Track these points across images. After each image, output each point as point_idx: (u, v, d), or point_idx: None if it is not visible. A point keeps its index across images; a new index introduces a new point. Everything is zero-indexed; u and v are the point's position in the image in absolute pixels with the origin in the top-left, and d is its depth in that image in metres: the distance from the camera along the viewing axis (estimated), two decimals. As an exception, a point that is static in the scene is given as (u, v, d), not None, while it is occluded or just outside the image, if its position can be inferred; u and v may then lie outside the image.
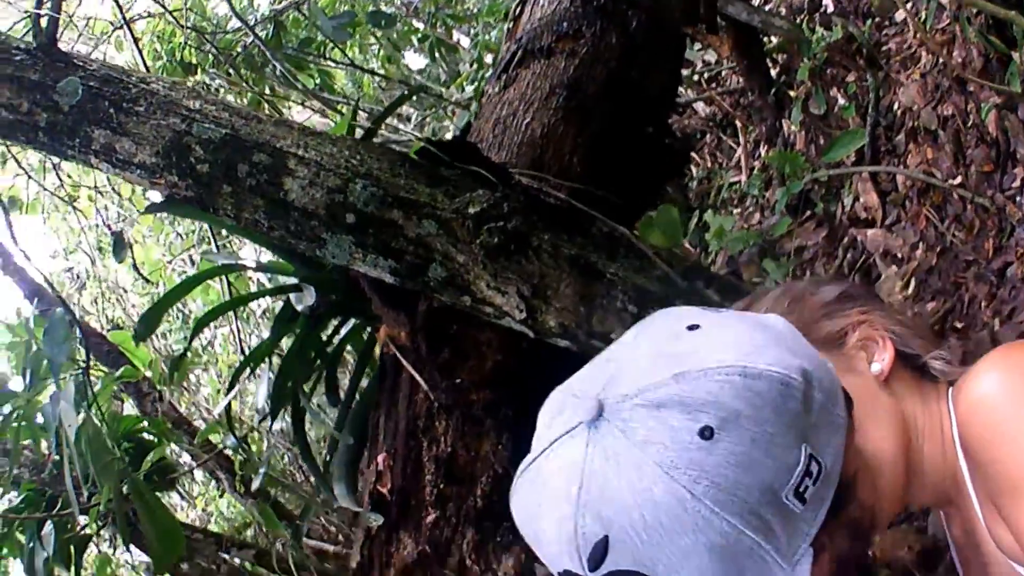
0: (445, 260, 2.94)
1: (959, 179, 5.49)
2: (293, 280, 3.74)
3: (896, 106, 6.29)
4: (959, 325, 5.04)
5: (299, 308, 3.64)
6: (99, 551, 6.14)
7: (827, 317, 1.93)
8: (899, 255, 5.70)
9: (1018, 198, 5.10)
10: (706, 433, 1.36)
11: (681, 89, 8.57)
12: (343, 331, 3.91)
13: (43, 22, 3.22)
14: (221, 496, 8.74)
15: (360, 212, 2.96)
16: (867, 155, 6.00)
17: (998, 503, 1.75)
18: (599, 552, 1.37)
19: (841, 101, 6.67)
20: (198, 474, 9.08)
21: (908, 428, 1.89)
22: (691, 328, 1.53)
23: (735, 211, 7.00)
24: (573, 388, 1.54)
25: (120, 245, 4.71)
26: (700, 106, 8.32)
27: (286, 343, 3.95)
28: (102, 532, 5.21)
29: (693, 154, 7.95)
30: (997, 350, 1.85)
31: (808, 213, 6.40)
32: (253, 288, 6.82)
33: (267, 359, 3.98)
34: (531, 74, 3.66)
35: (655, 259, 2.96)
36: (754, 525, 1.36)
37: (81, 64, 3.22)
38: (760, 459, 1.37)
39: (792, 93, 7.08)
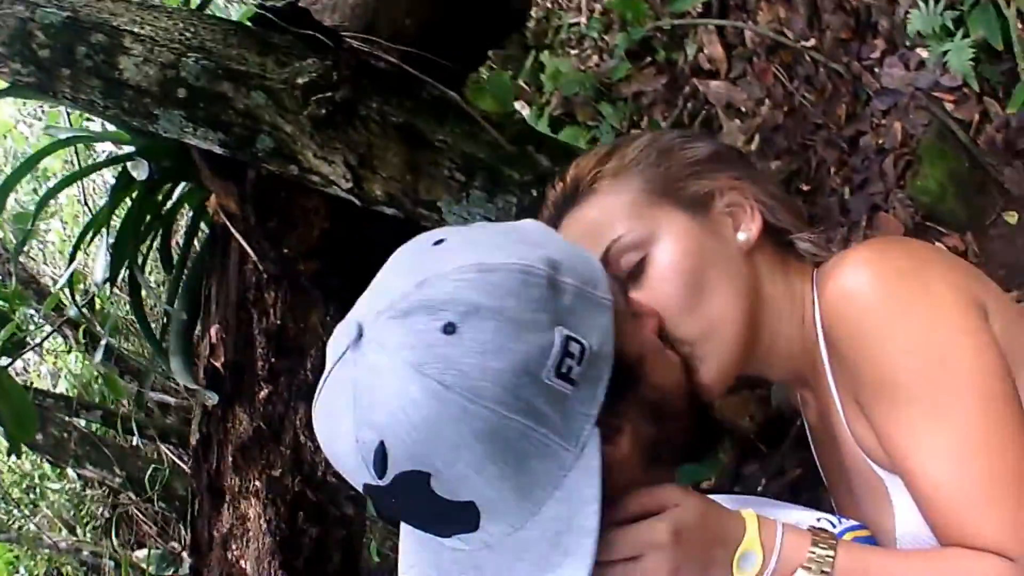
0: (273, 131, 2.89)
1: (812, 41, 5.48)
2: (131, 149, 3.68)
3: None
4: (805, 188, 5.05)
5: (136, 177, 3.59)
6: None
7: (696, 176, 1.89)
8: (743, 109, 5.67)
9: (876, 69, 5.09)
10: (448, 328, 1.41)
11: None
12: (176, 196, 3.86)
13: None
14: (69, 352, 8.65)
15: (191, 87, 2.89)
16: (715, 7, 5.95)
17: (862, 402, 1.78)
18: (379, 458, 1.42)
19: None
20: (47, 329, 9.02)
21: (762, 303, 1.90)
22: (436, 243, 1.58)
23: (573, 53, 6.91)
24: (346, 317, 1.59)
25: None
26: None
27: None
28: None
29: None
30: (870, 244, 1.86)
31: (648, 60, 6.32)
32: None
33: (106, 227, 3.91)
34: (366, -69, 3.59)
35: (484, 124, 2.94)
36: (516, 408, 1.39)
37: None
38: (507, 344, 1.41)
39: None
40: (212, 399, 3.16)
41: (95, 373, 7.39)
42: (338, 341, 1.54)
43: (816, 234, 1.99)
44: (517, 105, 6.60)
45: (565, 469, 1.44)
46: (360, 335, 1.48)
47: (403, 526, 1.60)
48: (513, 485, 1.42)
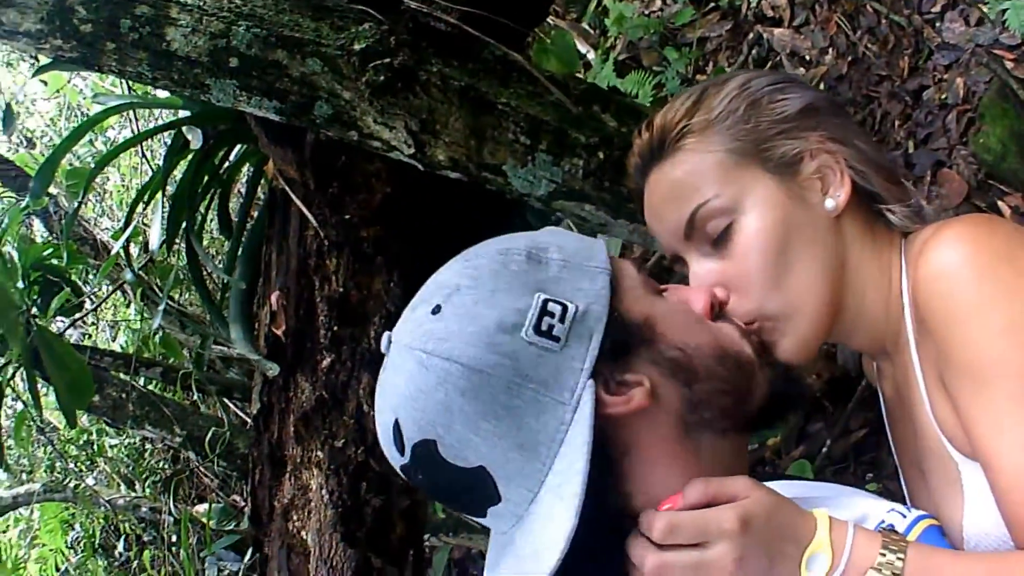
0: (331, 97, 2.85)
1: (876, -8, 5.40)
2: (185, 113, 3.65)
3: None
4: (870, 139, 5.02)
5: (191, 140, 3.57)
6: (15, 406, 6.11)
7: (785, 135, 1.85)
8: (807, 57, 5.63)
9: (937, 23, 5.02)
10: (435, 310, 1.56)
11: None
12: (235, 157, 3.84)
13: None
14: (128, 306, 8.69)
15: (243, 55, 2.86)
16: (778, -47, 5.89)
17: (948, 382, 1.72)
18: (397, 434, 1.58)
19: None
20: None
21: (848, 271, 1.86)
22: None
23: (636, -2, 6.88)
24: None
25: (9, 119, 4.58)
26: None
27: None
28: (7, 380, 5.15)
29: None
30: (966, 221, 1.79)
31: (712, 5, 6.30)
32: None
33: (162, 190, 3.89)
34: None
35: (549, 85, 2.89)
36: (495, 363, 1.49)
37: None
38: (483, 311, 1.52)
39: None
40: (273, 370, 3.13)
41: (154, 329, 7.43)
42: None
43: (907, 205, 1.93)
44: (582, 49, 6.58)
45: (565, 423, 1.49)
46: (390, 342, 1.66)
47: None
48: (514, 443, 1.49)
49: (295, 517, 3.12)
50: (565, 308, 1.52)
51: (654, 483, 1.57)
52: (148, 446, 8.75)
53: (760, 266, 1.79)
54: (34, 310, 4.48)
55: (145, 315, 7.67)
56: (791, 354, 1.83)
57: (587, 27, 7.06)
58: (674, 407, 1.60)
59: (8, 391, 4.98)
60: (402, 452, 1.58)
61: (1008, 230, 1.75)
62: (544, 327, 1.49)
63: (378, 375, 1.70)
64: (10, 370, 4.70)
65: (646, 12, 6.64)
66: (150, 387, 6.68)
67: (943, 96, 4.78)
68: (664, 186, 1.88)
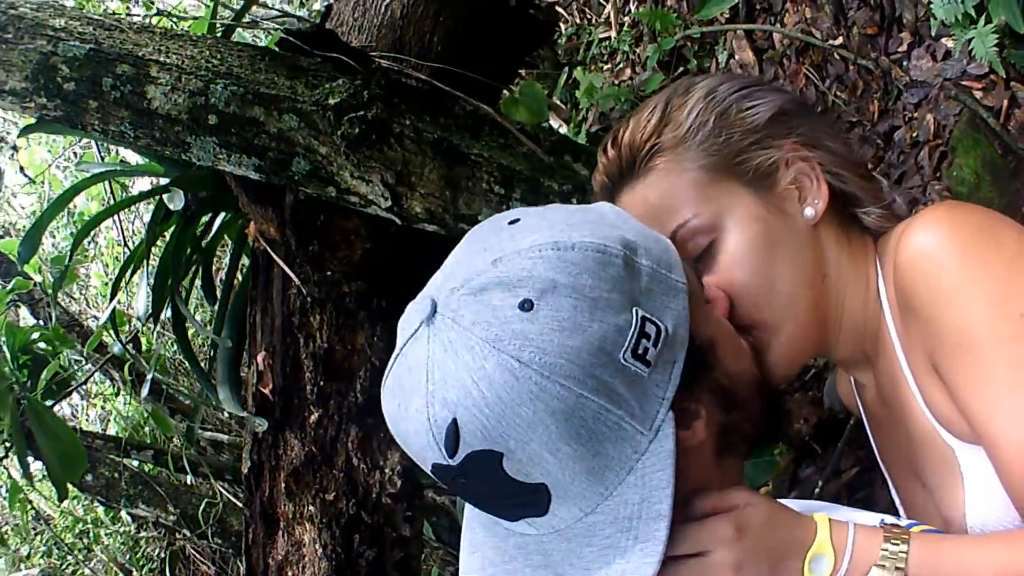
0: (308, 153, 2.90)
1: (840, 40, 5.46)
2: (166, 180, 3.69)
3: (778, -35, 6.24)
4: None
5: (172, 208, 3.60)
6: (9, 478, 6.08)
7: (758, 145, 1.85)
8: (779, 112, 5.66)
9: (904, 62, 5.07)
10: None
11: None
12: (217, 226, 3.87)
13: None
14: (117, 395, 8.69)
15: (222, 113, 2.91)
16: (742, 12, 5.93)
17: (940, 364, 1.73)
18: (451, 436, 1.43)
19: (717, -37, 6.59)
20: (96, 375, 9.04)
21: (829, 278, 1.88)
22: (512, 223, 1.57)
23: (606, 67, 6.91)
24: (419, 294, 1.59)
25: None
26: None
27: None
28: (8, 459, 5.15)
29: (562, 10, 7.87)
30: (939, 206, 1.81)
31: (681, 69, 6.32)
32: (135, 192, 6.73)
33: (145, 260, 3.93)
34: (389, -47, 3.59)
35: (519, 136, 2.94)
36: (592, 387, 1.39)
37: None
38: (584, 323, 1.41)
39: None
40: (262, 425, 3.15)
41: (145, 415, 7.43)
42: (410, 318, 1.54)
43: (884, 206, 1.95)
44: (554, 124, 6.62)
45: (639, 453, 1.44)
46: (434, 312, 1.48)
47: (467, 510, 1.61)
48: (587, 467, 1.42)
49: (290, 573, 3.12)
50: (659, 330, 1.47)
51: (684, 499, 1.55)
52: (143, 534, 8.70)
53: (746, 280, 1.79)
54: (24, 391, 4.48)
55: (134, 401, 7.69)
56: (781, 365, 1.84)
57: (558, 102, 7.11)
58: (713, 431, 1.59)
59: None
60: (451, 455, 1.44)
61: (982, 209, 1.77)
62: (640, 350, 1.43)
63: (382, 381, 1.60)
64: (1, 450, 4.71)
65: (616, 82, 6.68)
66: (142, 469, 6.68)
67: (915, 134, 4.82)
68: (640, 209, 1.84)
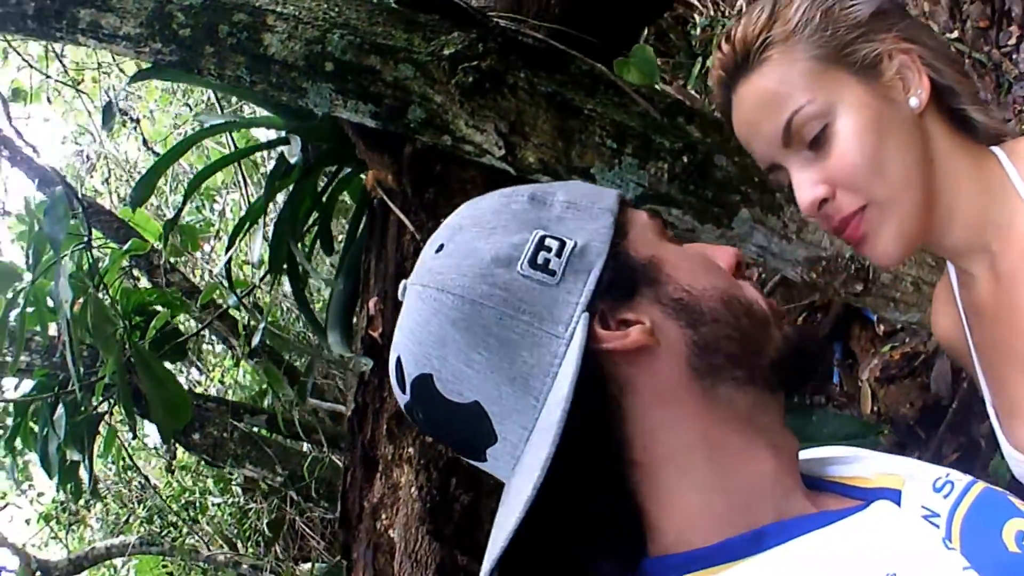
0: (423, 102, 2.97)
1: (956, 33, 5.45)
2: (285, 133, 3.77)
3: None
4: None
5: (291, 160, 3.67)
6: (108, 427, 6.15)
7: (863, 38, 1.90)
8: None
9: (1014, 55, 5.06)
10: (439, 249, 1.51)
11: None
12: (336, 180, 3.94)
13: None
14: (236, 365, 8.80)
15: (338, 60, 3.00)
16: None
17: None
18: (399, 371, 1.52)
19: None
20: (215, 346, 9.15)
21: (938, 165, 1.93)
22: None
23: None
24: None
25: (108, 113, 4.71)
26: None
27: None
28: (112, 407, 5.25)
29: (696, 1, 7.90)
30: None
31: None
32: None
33: (264, 214, 4.01)
34: (512, -84, 3.66)
35: (634, 96, 2.98)
36: (486, 293, 1.44)
37: None
38: (479, 245, 1.47)
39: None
40: (367, 364, 3.22)
41: (263, 387, 7.49)
42: None
43: (980, 104, 1.98)
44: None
45: (559, 356, 1.44)
46: (405, 289, 1.58)
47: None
48: (507, 376, 1.44)
49: (383, 516, 3.17)
50: (563, 243, 1.49)
51: (656, 427, 1.48)
52: (252, 505, 8.76)
53: (860, 159, 1.84)
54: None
55: (250, 369, 7.77)
56: (892, 246, 1.89)
57: (692, 92, 7.14)
58: (680, 349, 1.52)
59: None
60: (403, 389, 1.53)
61: None
62: (540, 260, 1.46)
63: None
64: (105, 406, 4.80)
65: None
66: (252, 431, 6.76)
67: (1022, 127, 4.80)
68: (755, 98, 1.91)
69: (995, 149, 1.96)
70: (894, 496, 1.49)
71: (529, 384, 1.43)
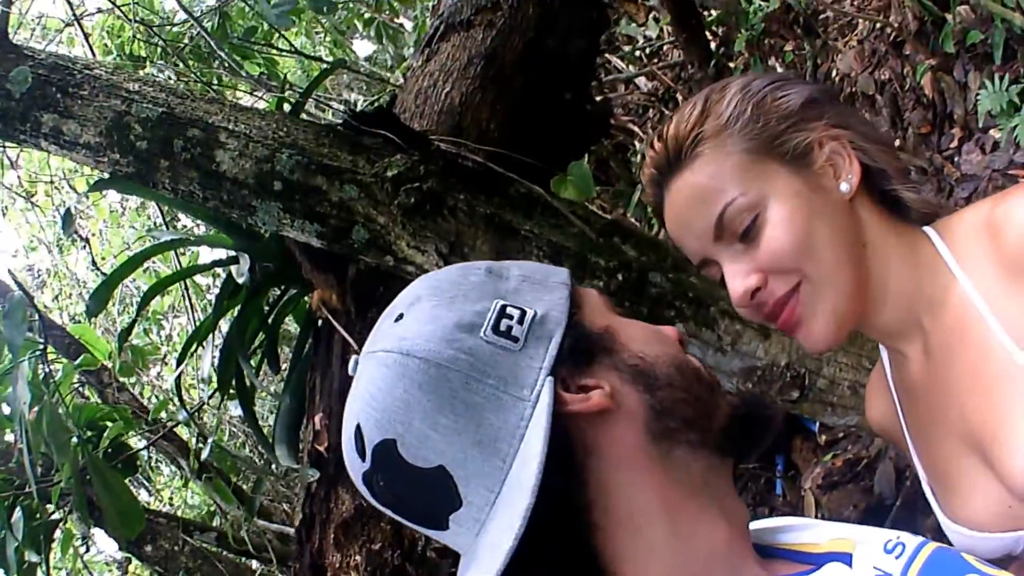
0: (367, 222, 3.08)
1: (898, 142, 5.57)
2: (233, 253, 3.85)
3: (834, 73, 6.39)
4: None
5: (239, 280, 3.75)
6: (64, 532, 6.15)
7: (793, 129, 1.92)
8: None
9: (956, 158, 5.18)
10: (398, 318, 1.54)
11: (622, 65, 8.67)
12: (283, 300, 4.02)
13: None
14: (185, 485, 8.79)
15: (286, 180, 3.12)
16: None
17: None
18: (358, 438, 1.52)
19: (779, 70, 6.74)
20: (163, 467, 9.14)
21: (869, 249, 1.95)
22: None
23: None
24: None
25: (68, 221, 4.78)
26: (642, 81, 8.43)
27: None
28: (67, 514, 5.27)
29: (636, 128, 8.04)
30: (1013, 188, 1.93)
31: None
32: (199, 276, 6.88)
33: (211, 333, 4.09)
34: (451, 46, 3.81)
35: (571, 217, 3.08)
36: (454, 358, 1.47)
37: (31, 55, 3.46)
38: (441, 313, 1.51)
39: (732, 64, 7.17)
40: (313, 475, 3.29)
41: (211, 508, 7.49)
42: None
43: (911, 183, 2.02)
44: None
45: (525, 419, 1.46)
46: (355, 365, 1.62)
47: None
48: (473, 440, 1.46)
49: (334, 623, 3.23)
50: (524, 312, 1.53)
51: (617, 490, 1.50)
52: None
53: (790, 243, 1.87)
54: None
55: (197, 487, 7.76)
56: (827, 326, 1.91)
57: (632, 219, 7.23)
58: (638, 413, 1.55)
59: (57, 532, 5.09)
60: (363, 457, 1.52)
61: None
62: (503, 327, 1.50)
63: None
64: (61, 512, 4.83)
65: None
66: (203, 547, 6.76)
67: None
68: (687, 193, 1.95)
69: (927, 228, 1.98)
70: (845, 559, 1.51)
71: (496, 447, 1.45)
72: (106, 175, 3.48)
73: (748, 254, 1.89)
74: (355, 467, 1.55)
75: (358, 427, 1.52)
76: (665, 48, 8.40)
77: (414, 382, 1.46)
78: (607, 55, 8.54)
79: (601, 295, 1.70)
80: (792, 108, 1.94)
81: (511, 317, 1.51)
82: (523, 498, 1.38)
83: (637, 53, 8.59)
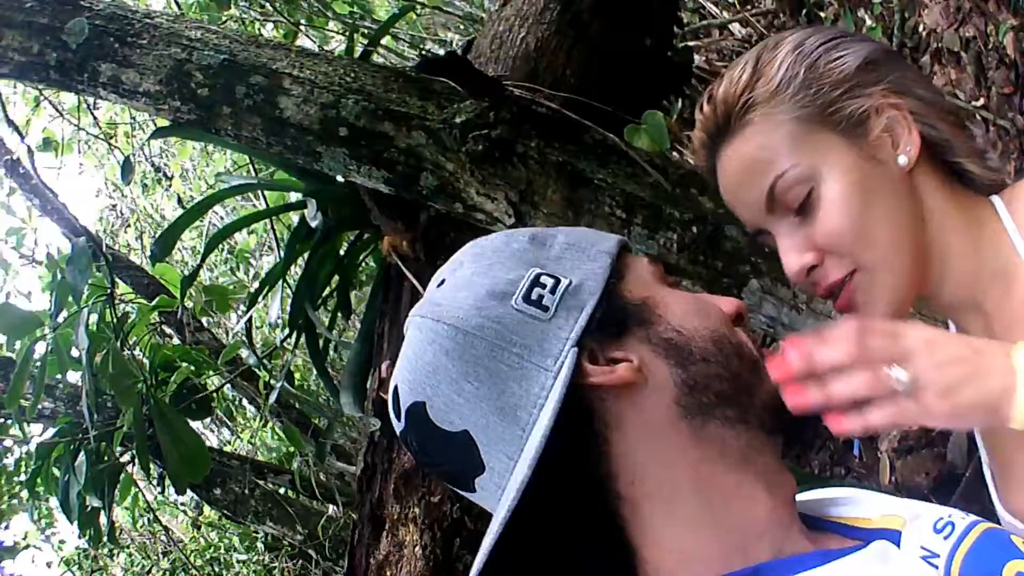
0: (435, 169, 3.02)
1: (982, 100, 5.47)
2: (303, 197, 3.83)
3: (921, 27, 6.26)
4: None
5: (312, 224, 3.72)
6: (126, 476, 6.19)
7: (849, 95, 1.84)
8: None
9: (1039, 122, 5.09)
10: (440, 283, 1.56)
11: (716, 11, 8.59)
12: (356, 244, 3.99)
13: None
14: (264, 426, 8.84)
15: (352, 126, 3.07)
16: (893, 75, 6.00)
17: None
18: (396, 400, 1.56)
19: (868, 22, 6.64)
20: (248, 408, 9.21)
21: (929, 222, 1.88)
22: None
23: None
24: None
25: (128, 168, 4.79)
26: (736, 27, 8.33)
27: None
28: (133, 459, 5.29)
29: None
30: None
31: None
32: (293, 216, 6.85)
33: (284, 276, 4.06)
34: (527, -11, 3.73)
35: (646, 166, 3.01)
36: (482, 325, 1.48)
37: (87, 5, 3.42)
38: (477, 280, 1.52)
39: (822, 14, 7.08)
40: (375, 425, 3.26)
41: (290, 449, 7.52)
42: None
43: (977, 152, 1.94)
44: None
45: (546, 389, 1.46)
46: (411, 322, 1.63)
47: None
48: (496, 407, 1.47)
49: (388, 573, 3.21)
50: (558, 281, 1.52)
51: (645, 463, 1.49)
52: (277, 564, 8.76)
53: (846, 225, 1.79)
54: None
55: (278, 435, 7.80)
56: (886, 309, 1.84)
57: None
58: (668, 387, 1.52)
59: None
60: (399, 417, 1.57)
61: None
62: (534, 296, 1.50)
63: None
64: (127, 456, 4.85)
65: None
66: (275, 490, 6.79)
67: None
68: (738, 163, 1.87)
69: (993, 198, 1.92)
70: (894, 536, 1.49)
71: (516, 415, 1.46)
72: (167, 121, 3.46)
73: (803, 229, 1.82)
74: (395, 425, 1.59)
75: (396, 388, 1.56)
76: (759, -7, 8.29)
77: (442, 348, 1.48)
78: (702, 0, 8.47)
79: (653, 264, 1.67)
80: (848, 72, 1.86)
81: (544, 286, 1.51)
82: (524, 469, 1.39)
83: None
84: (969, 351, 1.48)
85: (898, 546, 1.47)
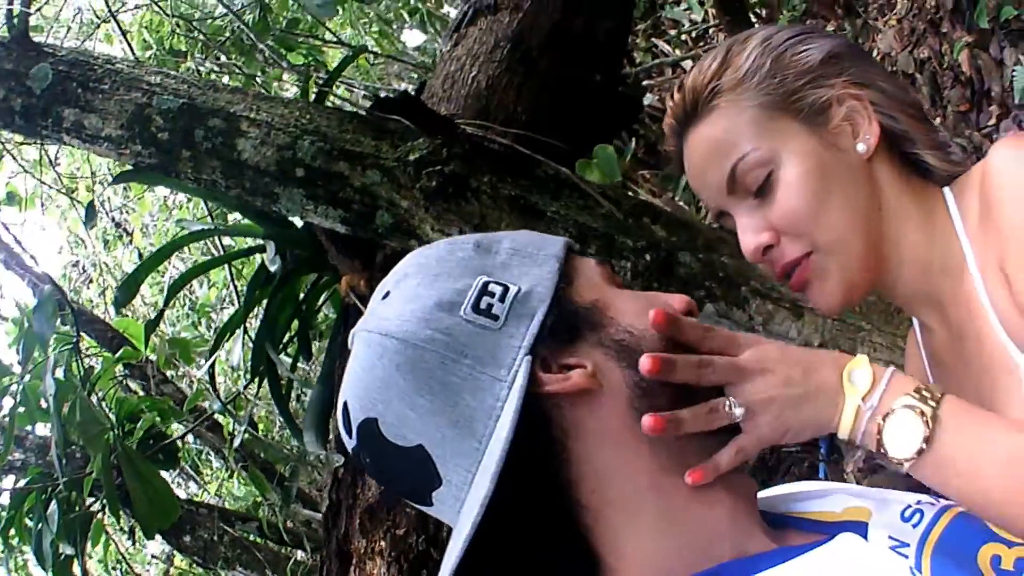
0: (391, 207, 3.06)
1: (938, 119, 5.53)
2: (261, 241, 3.86)
3: (875, 52, 6.34)
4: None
5: (271, 268, 3.75)
6: (97, 523, 6.19)
7: (811, 84, 1.89)
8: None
9: (994, 136, 5.14)
10: (385, 296, 1.52)
11: (669, 48, 8.67)
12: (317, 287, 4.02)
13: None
14: (230, 477, 8.83)
15: (308, 166, 3.12)
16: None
17: (1004, 262, 1.76)
18: (345, 416, 1.51)
19: (821, 51, 6.72)
20: (213, 459, 9.19)
21: (887, 212, 1.91)
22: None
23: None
24: None
25: (91, 212, 4.82)
26: (688, 64, 8.40)
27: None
28: (104, 508, 5.29)
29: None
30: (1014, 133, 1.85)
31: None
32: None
33: (244, 323, 4.09)
34: (478, 30, 3.82)
35: (598, 197, 3.05)
36: (431, 338, 1.45)
37: (51, 51, 3.48)
38: (423, 292, 1.49)
39: (775, 47, 7.16)
40: (339, 460, 3.29)
41: (257, 499, 7.51)
42: None
43: (937, 146, 1.97)
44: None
45: (501, 400, 1.44)
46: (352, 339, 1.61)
47: None
48: (449, 420, 1.45)
49: (358, 607, 3.22)
50: (506, 289, 1.49)
51: (605, 471, 1.46)
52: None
53: (802, 206, 1.83)
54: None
55: (242, 479, 7.79)
56: (835, 293, 1.88)
57: (682, 204, 7.20)
58: (622, 391, 1.50)
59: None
60: (350, 434, 1.52)
61: None
62: (483, 306, 1.47)
63: None
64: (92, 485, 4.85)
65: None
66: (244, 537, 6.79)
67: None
68: (703, 145, 1.92)
69: (945, 190, 1.94)
70: (860, 528, 1.49)
71: (472, 427, 1.44)
72: (129, 167, 3.51)
73: (761, 210, 1.87)
74: (346, 442, 1.55)
75: (345, 404, 1.51)
76: (711, 31, 8.38)
77: (392, 363, 1.45)
78: (653, 39, 8.57)
79: (601, 265, 1.65)
80: (812, 63, 1.90)
81: (492, 295, 1.49)
82: (486, 483, 1.37)
83: (683, 37, 8.57)
84: (799, 372, 1.50)
85: (865, 538, 1.47)
